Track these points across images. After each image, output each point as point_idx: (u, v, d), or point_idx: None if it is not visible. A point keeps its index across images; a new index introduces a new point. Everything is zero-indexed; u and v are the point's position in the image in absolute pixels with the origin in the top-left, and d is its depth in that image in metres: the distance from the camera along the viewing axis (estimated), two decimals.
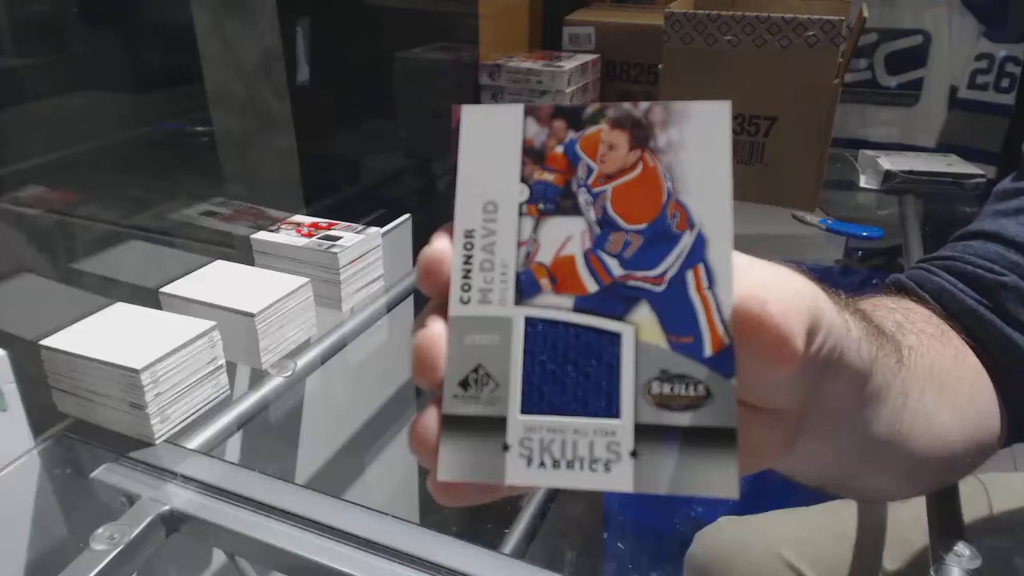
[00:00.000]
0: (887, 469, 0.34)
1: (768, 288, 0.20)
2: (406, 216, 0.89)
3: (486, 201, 0.21)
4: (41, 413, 0.59)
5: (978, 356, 0.40)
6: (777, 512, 0.74)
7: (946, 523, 0.51)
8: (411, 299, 0.86)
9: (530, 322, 0.20)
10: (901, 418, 0.31)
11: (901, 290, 0.44)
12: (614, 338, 0.20)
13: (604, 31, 1.30)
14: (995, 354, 0.40)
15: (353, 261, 0.76)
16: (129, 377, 0.56)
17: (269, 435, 0.75)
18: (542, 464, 0.19)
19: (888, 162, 1.22)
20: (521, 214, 0.21)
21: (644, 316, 0.20)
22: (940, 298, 0.42)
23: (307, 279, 0.71)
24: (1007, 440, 0.41)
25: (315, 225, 0.79)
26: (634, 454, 0.19)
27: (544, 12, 1.38)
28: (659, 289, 0.20)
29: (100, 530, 0.51)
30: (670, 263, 0.20)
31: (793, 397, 0.23)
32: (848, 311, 0.26)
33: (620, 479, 0.19)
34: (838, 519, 0.70)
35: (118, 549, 0.50)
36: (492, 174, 0.21)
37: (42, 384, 0.60)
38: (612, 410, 0.20)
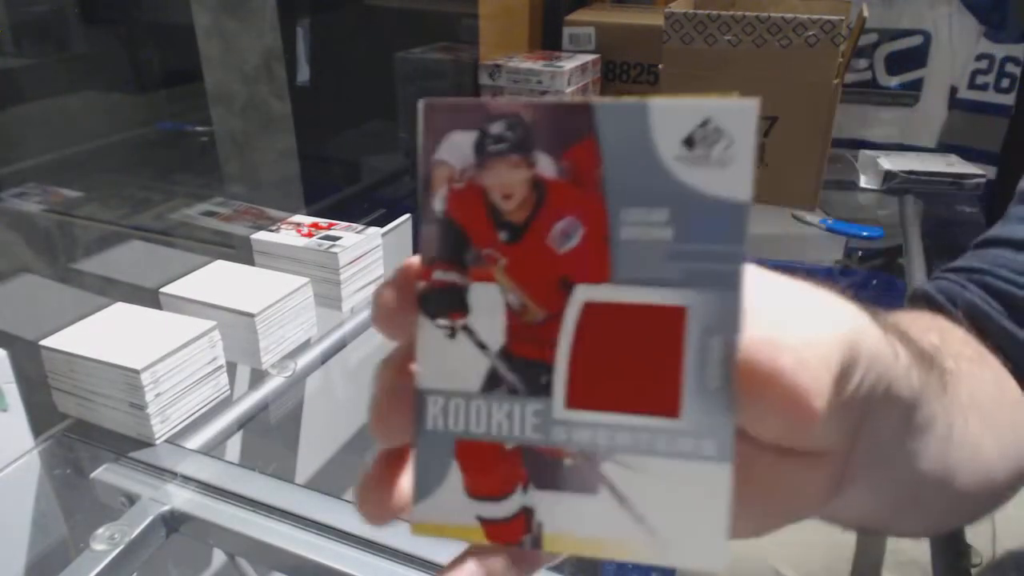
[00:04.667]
0: (931, 508, 0.31)
1: (784, 329, 0.17)
2: (406, 216, 0.89)
3: None
4: (41, 413, 0.59)
5: (1016, 378, 0.37)
6: None
7: (947, 539, 0.51)
8: None
9: None
10: (948, 451, 0.28)
11: (930, 304, 0.41)
12: None
13: (604, 31, 1.30)
14: None
15: (353, 261, 0.76)
16: (129, 377, 0.56)
17: (269, 435, 0.75)
18: None
19: (888, 162, 1.22)
20: None
21: None
22: (973, 316, 0.39)
23: (307, 279, 0.71)
24: None
25: (315, 225, 0.79)
26: None
27: (544, 12, 1.38)
28: None
29: (100, 530, 0.51)
30: None
31: (834, 438, 0.21)
32: (895, 335, 0.23)
33: None
34: (836, 532, 0.69)
35: (118, 549, 0.50)
36: None
37: (42, 384, 0.60)
38: None
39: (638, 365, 0.17)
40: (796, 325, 0.18)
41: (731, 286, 0.16)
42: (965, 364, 0.35)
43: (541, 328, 0.17)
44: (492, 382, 0.18)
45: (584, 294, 0.17)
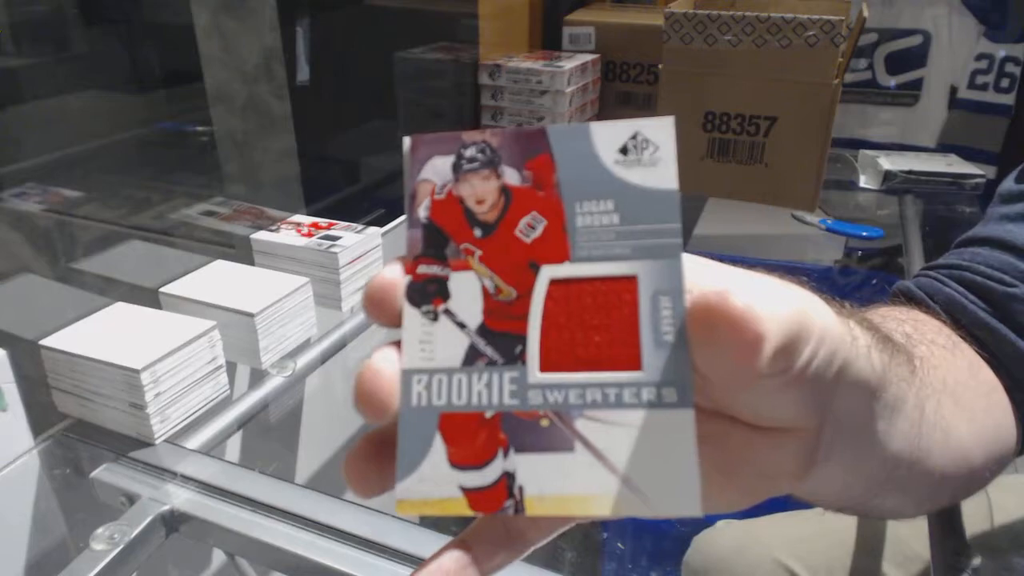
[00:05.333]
0: (908, 489, 0.32)
1: (737, 284, 0.19)
2: (405, 216, 0.89)
3: None
4: (41, 413, 0.59)
5: (990, 367, 0.39)
6: (775, 515, 0.73)
7: (947, 528, 0.51)
8: None
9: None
10: (919, 433, 0.29)
11: (910, 299, 0.42)
12: None
13: (604, 31, 1.30)
14: (1009, 367, 0.39)
15: (353, 261, 0.76)
16: (129, 377, 0.56)
17: (269, 435, 0.75)
18: None
19: (888, 162, 1.22)
20: None
21: None
22: (950, 309, 0.41)
23: (307, 279, 0.71)
24: (1020, 451, 0.40)
25: (315, 225, 0.79)
26: None
27: (544, 12, 1.38)
28: None
29: (100, 530, 0.51)
30: None
31: (797, 413, 0.22)
32: (853, 319, 0.24)
33: None
34: (837, 522, 0.69)
35: (118, 549, 0.50)
36: None
37: (42, 384, 0.60)
38: None
39: (600, 327, 0.19)
40: (750, 285, 0.19)
41: (673, 254, 0.19)
42: (939, 351, 0.36)
43: (514, 305, 0.20)
44: (471, 357, 0.20)
45: (549, 272, 0.20)
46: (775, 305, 0.18)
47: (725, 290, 0.18)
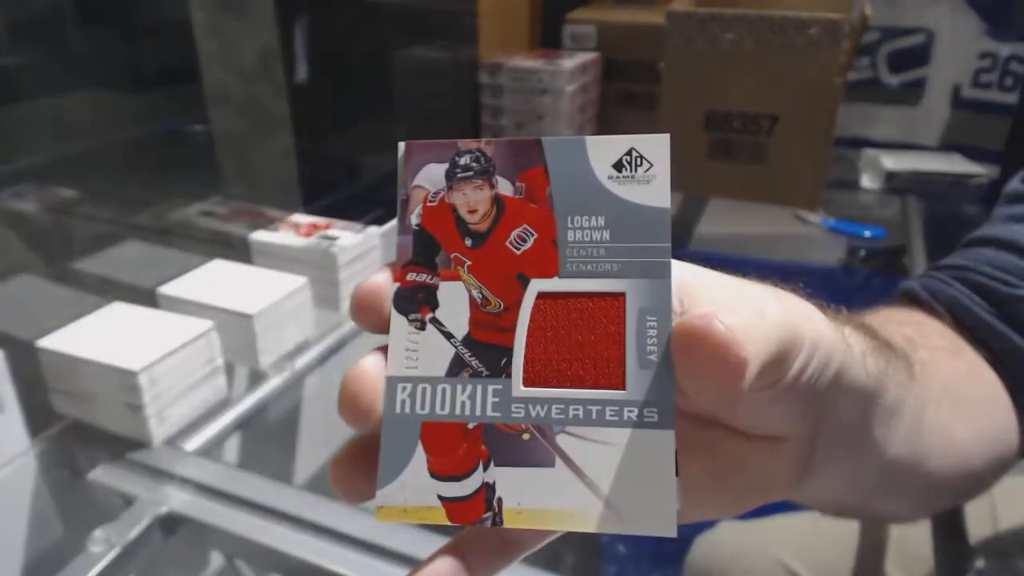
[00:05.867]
0: (907, 492, 0.32)
1: (722, 309, 0.19)
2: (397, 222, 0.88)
3: None
4: (38, 414, 0.59)
5: (994, 369, 0.38)
6: (778, 516, 0.73)
7: (949, 531, 0.51)
8: None
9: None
10: (918, 437, 0.29)
11: (914, 300, 0.42)
12: None
13: (605, 30, 1.29)
14: (1012, 369, 0.38)
15: (351, 261, 0.76)
16: (127, 378, 0.55)
17: (267, 436, 0.74)
18: None
19: (891, 161, 1.21)
20: None
21: None
22: (954, 310, 0.40)
23: (305, 279, 0.71)
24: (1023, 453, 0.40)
25: (313, 225, 0.79)
26: None
27: (545, 10, 1.37)
28: None
29: (97, 532, 0.51)
30: None
31: (789, 422, 0.22)
32: (849, 327, 0.24)
33: None
34: (841, 523, 0.69)
35: (115, 551, 0.50)
36: None
37: (39, 385, 0.60)
38: None
39: (586, 344, 0.19)
40: (735, 308, 0.19)
41: (661, 273, 0.19)
42: (940, 355, 0.35)
43: (501, 317, 0.20)
44: (456, 367, 0.20)
45: (538, 286, 0.20)
46: (760, 324, 0.18)
47: (709, 314, 0.18)
